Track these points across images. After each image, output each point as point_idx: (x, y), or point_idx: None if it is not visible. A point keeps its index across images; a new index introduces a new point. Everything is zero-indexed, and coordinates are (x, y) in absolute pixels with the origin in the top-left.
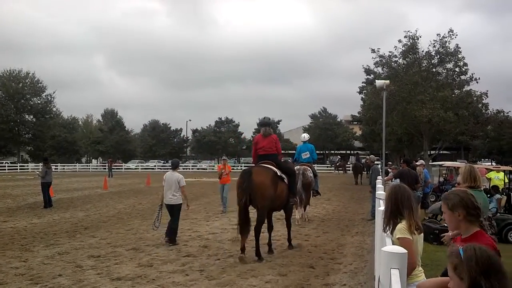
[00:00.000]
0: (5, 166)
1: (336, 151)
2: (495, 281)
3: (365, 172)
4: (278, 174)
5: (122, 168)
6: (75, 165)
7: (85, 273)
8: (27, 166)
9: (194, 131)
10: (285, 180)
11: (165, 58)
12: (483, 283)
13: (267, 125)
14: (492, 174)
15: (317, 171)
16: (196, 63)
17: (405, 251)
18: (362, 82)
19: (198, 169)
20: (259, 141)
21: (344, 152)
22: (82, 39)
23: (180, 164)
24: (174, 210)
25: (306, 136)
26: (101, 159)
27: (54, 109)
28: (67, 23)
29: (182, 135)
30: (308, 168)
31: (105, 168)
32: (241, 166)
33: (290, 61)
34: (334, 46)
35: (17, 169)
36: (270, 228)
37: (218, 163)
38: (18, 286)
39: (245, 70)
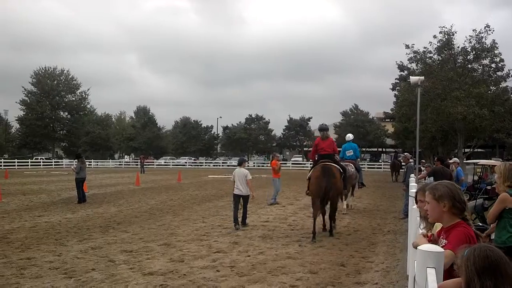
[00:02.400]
0: (40, 162)
1: (367, 149)
2: (489, 281)
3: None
4: (340, 170)
5: (153, 165)
6: (108, 161)
7: (117, 268)
8: (62, 162)
9: (225, 128)
10: (342, 175)
11: (194, 55)
12: (475, 282)
13: (325, 130)
14: None
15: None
16: (225, 60)
17: (442, 250)
18: (395, 79)
19: (228, 166)
20: (319, 143)
21: (375, 149)
22: (112, 37)
23: (210, 161)
24: (243, 200)
25: (350, 136)
26: (133, 155)
27: (88, 106)
28: (97, 22)
29: (212, 132)
30: (351, 164)
31: (137, 164)
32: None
33: (320, 58)
34: (365, 42)
35: (51, 165)
36: (334, 216)
37: (248, 160)
38: (52, 280)
39: (274, 67)
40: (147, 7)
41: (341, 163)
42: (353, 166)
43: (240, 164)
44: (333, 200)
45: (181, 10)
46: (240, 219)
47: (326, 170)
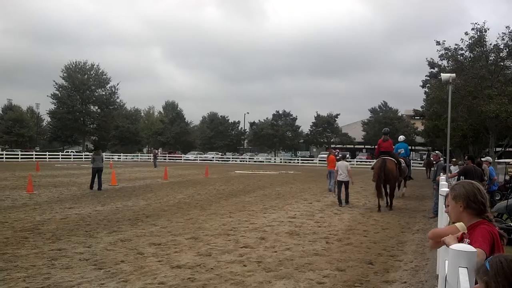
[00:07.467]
0: (70, 155)
1: None
2: None
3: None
4: (396, 162)
5: (181, 159)
6: (136, 155)
7: (146, 260)
8: (92, 155)
9: (252, 124)
10: (397, 166)
11: (219, 51)
12: None
13: (386, 134)
14: None
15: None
16: (250, 56)
17: (474, 249)
18: (426, 76)
19: (255, 161)
20: (381, 143)
21: None
22: (137, 32)
23: (237, 157)
24: (344, 185)
25: (402, 137)
26: (161, 150)
27: (118, 100)
28: (122, 16)
29: (240, 127)
30: (402, 160)
31: (165, 159)
32: (298, 160)
33: (346, 54)
34: (393, 38)
35: (82, 158)
36: (392, 196)
37: (275, 156)
38: (82, 271)
39: (300, 63)
40: (170, 1)
41: (398, 158)
42: (404, 162)
43: (344, 157)
44: (389, 184)
45: (203, 4)
46: (343, 199)
47: (383, 162)
